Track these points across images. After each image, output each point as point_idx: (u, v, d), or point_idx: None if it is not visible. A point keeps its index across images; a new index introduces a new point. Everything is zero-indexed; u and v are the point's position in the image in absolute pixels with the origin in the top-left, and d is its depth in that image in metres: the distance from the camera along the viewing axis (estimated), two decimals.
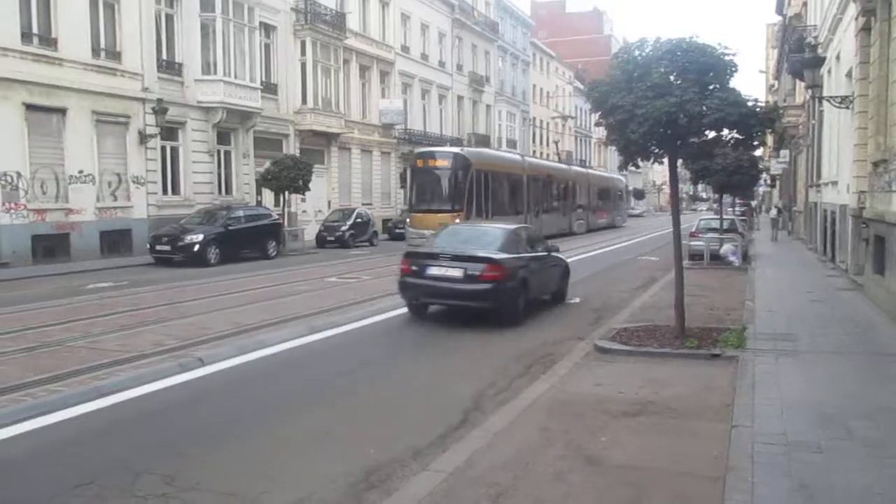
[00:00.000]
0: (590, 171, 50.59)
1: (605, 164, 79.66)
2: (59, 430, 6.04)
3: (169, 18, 23.85)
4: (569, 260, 14.90)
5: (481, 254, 10.99)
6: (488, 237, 11.94)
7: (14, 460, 5.41)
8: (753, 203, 52.14)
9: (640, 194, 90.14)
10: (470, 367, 8.46)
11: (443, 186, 25.97)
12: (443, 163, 25.83)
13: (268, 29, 28.21)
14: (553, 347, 9.44)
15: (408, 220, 26.64)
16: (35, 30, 19.47)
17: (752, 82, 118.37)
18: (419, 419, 6.48)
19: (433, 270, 10.99)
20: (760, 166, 25.15)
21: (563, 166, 42.97)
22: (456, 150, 27.65)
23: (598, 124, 9.42)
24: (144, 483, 4.93)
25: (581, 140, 76.78)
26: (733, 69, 8.44)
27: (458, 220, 23.17)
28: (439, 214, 24.07)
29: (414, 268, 11.22)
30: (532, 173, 33.26)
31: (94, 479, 4.99)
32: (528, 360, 8.75)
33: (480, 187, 26.56)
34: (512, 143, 50.84)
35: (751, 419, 5.95)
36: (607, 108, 8.66)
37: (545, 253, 12.80)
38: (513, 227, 12.90)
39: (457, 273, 10.77)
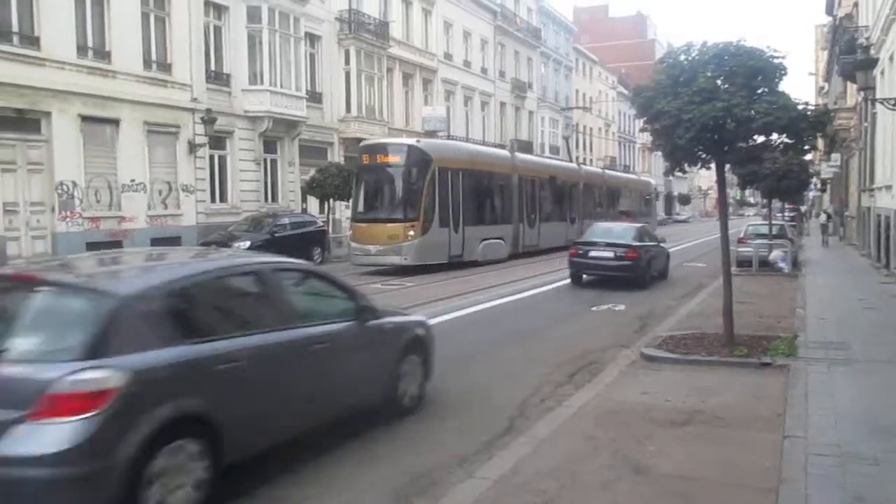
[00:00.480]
0: (607, 171, 42.44)
1: (649, 169, 78.77)
2: None
3: (217, 30, 24.39)
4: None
5: (624, 242, 16.86)
6: (625, 231, 17.98)
7: None
8: (803, 208, 50.94)
9: (685, 199, 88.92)
10: (514, 374, 8.44)
11: (393, 189, 20.59)
12: (394, 158, 20.30)
13: (313, 39, 28.63)
14: (598, 355, 9.36)
15: (350, 231, 21.23)
16: (90, 43, 20.11)
17: (801, 85, 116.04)
18: (464, 426, 6.49)
19: (593, 253, 16.90)
20: (810, 171, 24.62)
21: (570, 165, 36.35)
22: (410, 142, 21.62)
23: (643, 130, 9.35)
24: None
25: (625, 145, 76.10)
26: (782, 72, 8.31)
27: (411, 234, 19.29)
28: (388, 225, 19.51)
29: (580, 251, 17.15)
30: (526, 173, 26.93)
31: None
32: (573, 368, 8.70)
33: (446, 190, 20.82)
34: (555, 150, 50.59)
35: (803, 430, 5.83)
36: (653, 113, 8.58)
37: (656, 243, 18.46)
38: (638, 225, 19.56)
39: (609, 254, 16.66)
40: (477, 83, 42.40)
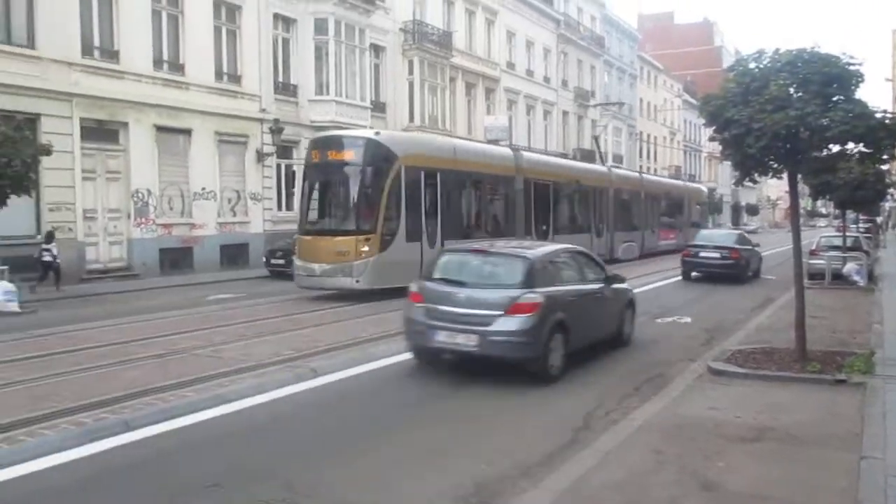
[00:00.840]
0: (647, 176, 36.91)
1: (716, 178, 77.07)
2: (187, 433, 6.41)
3: (285, 42, 25.00)
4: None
5: (728, 245, 20.89)
6: (728, 236, 22.48)
7: (146, 460, 5.80)
8: (879, 219, 48.97)
9: (753, 210, 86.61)
10: (578, 386, 8.37)
11: (345, 194, 16.55)
12: (348, 155, 16.26)
13: (377, 49, 29.05)
14: (663, 368, 9.20)
15: (296, 246, 16.96)
16: (165, 56, 20.89)
17: (877, 91, 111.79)
18: (528, 436, 6.47)
19: (703, 254, 20.73)
20: (887, 180, 23.66)
21: (597, 168, 31.00)
22: (368, 134, 17.05)
23: (711, 139, 9.20)
24: (265, 487, 5.17)
25: (690, 154, 74.63)
26: (859, 79, 8.04)
27: (365, 249, 15.22)
28: (336, 239, 15.56)
29: (692, 252, 21.06)
30: (536, 176, 22.55)
31: (215, 485, 5.27)
32: (638, 381, 8.57)
33: (417, 195, 16.67)
34: (618, 159, 49.99)
35: (881, 450, 5.61)
36: (722, 122, 8.43)
37: (751, 247, 21.88)
38: (738, 232, 24.06)
39: (716, 255, 20.50)
40: (539, 92, 42.27)
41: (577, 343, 8.95)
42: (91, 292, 16.87)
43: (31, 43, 17.67)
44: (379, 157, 16.05)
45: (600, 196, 27.95)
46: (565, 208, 25.14)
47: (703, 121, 9.49)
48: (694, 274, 20.80)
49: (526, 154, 23.77)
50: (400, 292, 14.54)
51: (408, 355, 9.54)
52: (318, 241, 15.95)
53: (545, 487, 5.04)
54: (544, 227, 22.93)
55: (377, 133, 17.02)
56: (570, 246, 10.87)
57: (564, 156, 40.28)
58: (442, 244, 16.66)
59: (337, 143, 16.68)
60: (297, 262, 16.23)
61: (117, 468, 5.60)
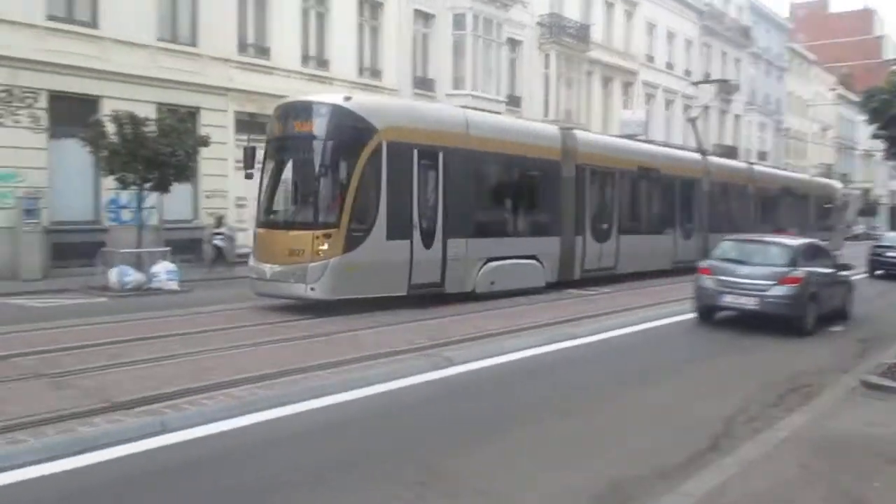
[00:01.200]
0: (758, 167, 30.93)
1: (872, 178, 71.60)
2: (330, 412, 6.75)
3: (424, 37, 25.53)
4: None
5: None
6: None
7: (289, 436, 6.15)
8: None
9: None
10: (717, 390, 8.10)
11: (306, 176, 12.95)
12: (311, 126, 12.69)
13: (514, 43, 29.08)
14: (811, 378, 8.71)
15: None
16: (311, 53, 21.89)
17: None
18: (664, 439, 6.34)
19: (889, 253, 22.38)
20: None
21: (687, 155, 25.04)
22: (336, 99, 13.03)
23: (875, 136, 8.60)
24: (401, 470, 5.37)
25: (843, 152, 69.65)
26: None
27: (324, 248, 11.79)
28: (290, 233, 12.44)
29: (877, 253, 22.82)
30: (593, 162, 17.99)
31: (355, 463, 5.52)
32: (782, 389, 8.17)
33: (405, 182, 13.00)
34: (762, 156, 47.46)
35: None
36: (888, 117, 7.90)
37: None
38: None
39: None
40: (680, 86, 40.81)
41: (821, 310, 12.01)
42: (240, 275, 17.94)
43: (193, 41, 19.04)
44: (347, 128, 12.41)
45: (690, 189, 22.94)
46: (636, 203, 20.30)
47: (864, 117, 8.91)
48: (878, 272, 22.57)
49: (580, 134, 18.80)
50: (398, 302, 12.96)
51: (532, 351, 9.73)
52: (273, 235, 12.79)
53: (683, 492, 4.93)
54: (605, 226, 18.46)
55: (348, 98, 13.03)
56: (814, 241, 14.02)
57: (704, 152, 36.56)
58: (444, 244, 13.67)
59: (298, 112, 13.03)
60: (251, 261, 13.14)
61: (266, 441, 5.97)
